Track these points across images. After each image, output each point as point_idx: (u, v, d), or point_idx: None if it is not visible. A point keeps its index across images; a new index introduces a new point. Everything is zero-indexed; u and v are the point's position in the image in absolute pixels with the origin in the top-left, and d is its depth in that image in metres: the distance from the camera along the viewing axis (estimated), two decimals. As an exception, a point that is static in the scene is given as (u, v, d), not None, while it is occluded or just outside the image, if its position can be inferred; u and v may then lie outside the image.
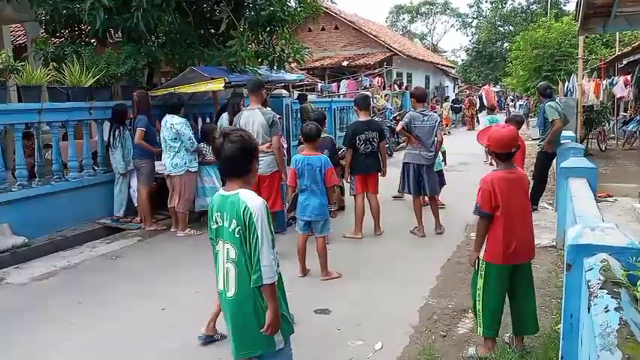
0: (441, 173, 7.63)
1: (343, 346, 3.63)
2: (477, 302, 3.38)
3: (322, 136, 5.67)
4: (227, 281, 2.41)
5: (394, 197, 7.96)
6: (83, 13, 7.05)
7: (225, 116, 6.95)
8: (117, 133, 6.69)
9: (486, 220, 3.29)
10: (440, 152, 7.37)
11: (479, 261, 3.36)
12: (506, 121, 7.40)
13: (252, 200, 2.35)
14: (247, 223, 2.32)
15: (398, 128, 6.51)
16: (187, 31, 8.35)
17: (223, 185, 2.59)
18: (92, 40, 8.23)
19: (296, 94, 14.23)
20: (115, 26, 7.65)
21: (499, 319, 3.34)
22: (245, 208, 2.32)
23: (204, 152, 6.69)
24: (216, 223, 2.45)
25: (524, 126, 10.07)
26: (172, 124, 6.29)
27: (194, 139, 6.44)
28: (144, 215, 6.77)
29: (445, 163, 8.08)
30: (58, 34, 8.35)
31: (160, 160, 6.60)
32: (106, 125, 7.09)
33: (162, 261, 5.61)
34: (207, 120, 8.78)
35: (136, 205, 6.94)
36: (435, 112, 10.17)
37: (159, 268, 5.39)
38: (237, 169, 2.42)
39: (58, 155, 6.66)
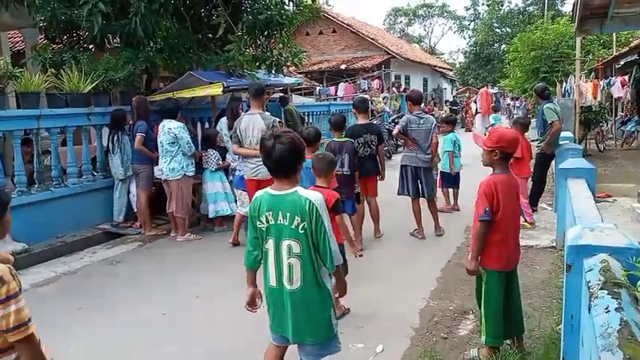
0: (458, 176, 7.74)
1: (345, 349, 3.58)
2: (483, 311, 3.31)
3: (342, 139, 5.68)
4: (291, 275, 2.54)
5: None
6: (81, 19, 7.07)
7: (224, 121, 6.96)
8: (116, 138, 6.70)
9: (487, 225, 3.17)
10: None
11: (481, 269, 3.28)
12: (514, 124, 7.43)
13: (313, 195, 2.55)
14: (314, 218, 2.49)
15: (395, 132, 6.55)
16: (185, 36, 8.36)
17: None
18: (90, 46, 8.24)
19: (300, 98, 14.31)
20: (112, 32, 7.67)
21: (503, 326, 3.28)
22: (310, 204, 2.49)
23: (213, 159, 6.73)
24: (267, 222, 2.55)
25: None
26: (170, 128, 6.29)
27: (192, 144, 6.45)
28: (143, 220, 6.76)
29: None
30: (56, 40, 8.36)
31: (158, 165, 6.60)
32: (105, 131, 7.09)
33: (163, 266, 5.61)
34: (207, 125, 8.79)
35: (135, 210, 6.94)
36: (433, 114, 10.23)
37: (159, 272, 5.39)
38: (288, 169, 2.56)
39: (57, 161, 6.66)
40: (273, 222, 2.54)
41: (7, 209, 2.09)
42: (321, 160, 4.06)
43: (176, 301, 4.60)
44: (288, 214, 2.51)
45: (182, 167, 6.39)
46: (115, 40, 8.34)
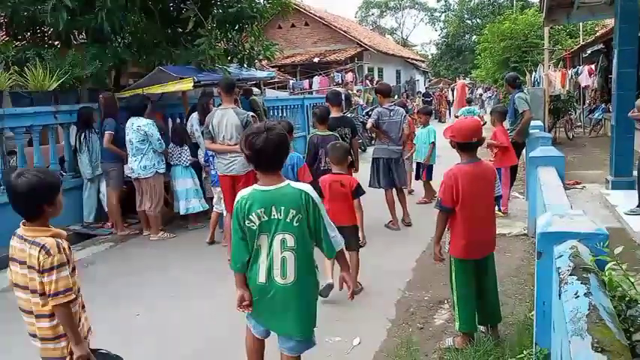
0: (431, 168, 7.84)
1: (322, 343, 3.59)
2: (453, 298, 3.40)
3: (326, 133, 5.61)
4: (284, 269, 2.50)
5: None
6: (45, 15, 6.86)
7: (195, 116, 6.86)
8: (83, 137, 6.54)
9: (445, 214, 3.30)
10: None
11: (449, 256, 3.38)
12: (491, 113, 7.55)
13: (304, 186, 2.57)
14: (311, 208, 2.50)
15: (368, 125, 6.62)
16: (154, 30, 8.19)
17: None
18: (55, 43, 8.02)
19: (274, 92, 14.20)
20: (78, 27, 7.48)
21: (473, 312, 3.35)
22: (305, 195, 2.50)
23: (185, 155, 6.63)
24: (259, 219, 2.48)
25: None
26: (139, 125, 6.16)
27: (162, 140, 6.33)
28: (115, 220, 6.63)
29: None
30: (18, 37, 8.10)
31: (128, 163, 6.47)
32: (73, 129, 6.92)
33: (136, 266, 5.51)
34: (178, 120, 8.65)
35: (106, 210, 6.80)
36: (407, 106, 10.30)
37: (132, 273, 5.29)
38: (280, 162, 2.53)
39: (24, 162, 6.46)
40: (266, 218, 2.48)
41: (60, 190, 2.41)
42: (338, 149, 4.39)
43: (150, 301, 4.52)
44: (282, 209, 2.47)
45: (154, 165, 6.28)
46: (81, 36, 8.13)
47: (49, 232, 2.33)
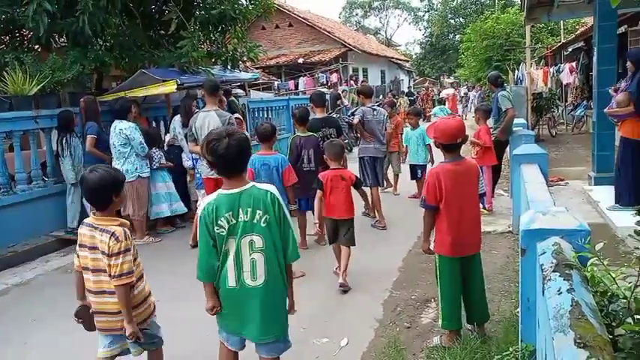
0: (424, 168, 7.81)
1: (309, 345, 3.61)
2: (438, 295, 3.43)
3: (307, 134, 5.64)
4: (254, 270, 2.50)
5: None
6: (24, 18, 6.75)
7: (177, 118, 6.81)
8: (65, 141, 6.45)
9: (431, 213, 3.33)
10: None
11: (434, 254, 3.41)
12: (475, 111, 7.60)
13: (268, 187, 2.59)
14: (277, 208, 2.52)
15: (355, 121, 6.65)
16: (136, 33, 8.13)
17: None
18: (35, 46, 7.91)
19: (258, 93, 14.07)
20: (59, 31, 7.37)
21: (458, 310, 3.37)
22: (271, 195, 2.52)
23: (156, 157, 6.56)
24: (227, 223, 2.47)
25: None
26: (121, 129, 6.10)
27: (145, 144, 6.26)
28: (99, 225, 6.55)
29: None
30: (-3, 41, 7.99)
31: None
32: (54, 134, 6.82)
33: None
34: (162, 123, 8.59)
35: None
36: (395, 105, 10.33)
37: (117, 278, 5.23)
38: (241, 166, 2.54)
39: (5, 168, 6.37)
40: (234, 221, 2.48)
41: (124, 185, 2.77)
42: (334, 146, 4.72)
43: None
44: (249, 210, 2.47)
45: (136, 169, 6.22)
46: (61, 40, 8.02)
47: (117, 222, 2.69)
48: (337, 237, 4.70)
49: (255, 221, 2.48)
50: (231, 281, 2.52)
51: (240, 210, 2.47)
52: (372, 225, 6.41)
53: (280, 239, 2.57)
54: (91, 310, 2.85)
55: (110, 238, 2.60)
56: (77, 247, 2.78)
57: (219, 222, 2.46)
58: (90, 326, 2.92)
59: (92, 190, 2.68)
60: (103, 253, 2.63)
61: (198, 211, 2.59)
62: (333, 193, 4.59)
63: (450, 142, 3.29)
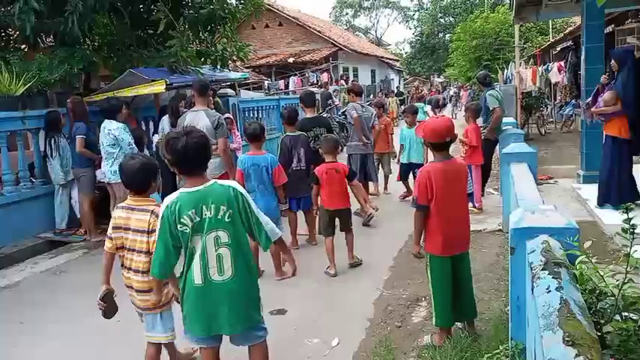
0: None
1: (301, 345, 3.61)
2: (431, 293, 3.43)
3: (296, 134, 5.64)
4: (221, 265, 2.54)
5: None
6: (10, 18, 6.68)
7: (165, 119, 6.76)
8: (53, 142, 6.39)
9: (422, 212, 3.32)
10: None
11: (425, 254, 3.41)
12: (465, 110, 7.61)
13: (231, 182, 2.66)
14: (241, 202, 2.57)
15: (355, 115, 6.77)
16: (124, 32, 8.07)
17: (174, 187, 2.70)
18: (22, 46, 7.82)
19: (249, 93, 13.98)
20: (46, 30, 7.29)
21: (450, 307, 3.38)
22: (234, 190, 2.57)
23: None
24: (191, 220, 2.50)
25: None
26: (110, 129, 6.04)
27: (134, 144, 6.18)
28: (88, 226, 6.50)
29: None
30: (-17, 41, 7.89)
31: (101, 167, 6.34)
32: (42, 135, 6.75)
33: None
34: (151, 123, 8.53)
35: (78, 216, 6.66)
36: (384, 106, 10.31)
37: (107, 280, 5.18)
38: (203, 163, 2.58)
39: (-8, 168, 6.30)
40: (197, 219, 2.50)
41: (159, 173, 3.04)
42: (329, 141, 5.04)
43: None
44: (212, 206, 2.51)
45: None
46: (49, 39, 7.95)
47: (154, 202, 2.99)
48: (333, 230, 4.96)
49: (219, 217, 2.52)
50: (198, 279, 2.55)
51: (204, 207, 2.50)
52: (355, 213, 6.36)
53: (247, 232, 2.64)
54: (115, 295, 3.08)
55: (150, 215, 2.88)
56: (110, 230, 2.99)
57: (182, 220, 2.49)
58: (110, 313, 3.13)
59: (134, 174, 2.95)
60: (140, 231, 2.89)
61: (160, 210, 2.62)
62: (328, 186, 4.87)
63: (439, 141, 3.31)
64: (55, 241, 6.49)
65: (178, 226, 2.49)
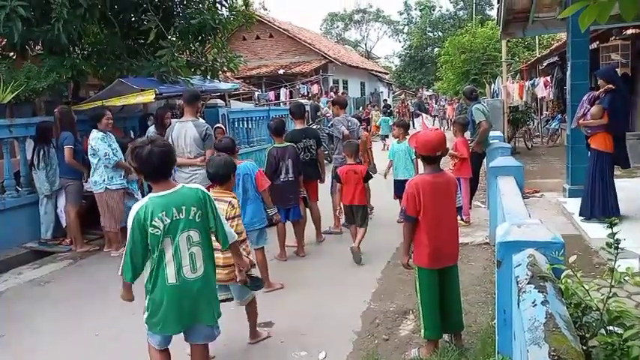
0: None
1: (287, 358, 3.58)
2: (419, 306, 3.42)
3: (284, 145, 5.66)
4: (194, 263, 2.72)
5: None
6: (-3, 25, 6.63)
7: (152, 129, 6.71)
8: (42, 153, 6.32)
9: (411, 224, 3.33)
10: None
11: (414, 265, 3.41)
12: (453, 124, 7.63)
13: (198, 185, 2.88)
14: (208, 204, 2.78)
15: (346, 132, 6.70)
16: (114, 41, 8.06)
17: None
18: (10, 54, 7.77)
19: (239, 104, 13.94)
20: (34, 38, 7.25)
21: (438, 320, 3.38)
22: (202, 193, 2.78)
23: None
24: (162, 222, 2.63)
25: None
26: (90, 139, 6.00)
27: (111, 155, 6.03)
28: (74, 236, 6.42)
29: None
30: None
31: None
32: (29, 143, 6.68)
33: (96, 284, 5.33)
34: (139, 133, 8.49)
35: (64, 225, 6.58)
36: (361, 119, 10.26)
37: (91, 291, 5.12)
38: (165, 171, 2.72)
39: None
40: (168, 221, 2.64)
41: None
42: (351, 146, 5.82)
43: (110, 320, 4.37)
44: (183, 208, 2.68)
45: (104, 180, 6.06)
46: (37, 47, 7.90)
47: (231, 194, 3.62)
48: (354, 219, 5.67)
49: (190, 217, 2.69)
50: (171, 278, 2.67)
51: (175, 209, 2.65)
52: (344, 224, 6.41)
53: (212, 231, 2.83)
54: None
55: (228, 205, 3.46)
56: None
57: (153, 223, 2.61)
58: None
59: (218, 168, 3.58)
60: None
61: (130, 215, 2.68)
62: (347, 184, 5.58)
63: (430, 154, 3.33)
64: (39, 251, 6.40)
65: (150, 229, 2.61)
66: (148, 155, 2.61)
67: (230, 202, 3.49)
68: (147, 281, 2.75)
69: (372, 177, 5.89)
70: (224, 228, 2.89)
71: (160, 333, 2.80)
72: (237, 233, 3.30)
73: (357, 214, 5.63)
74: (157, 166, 2.66)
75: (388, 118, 19.42)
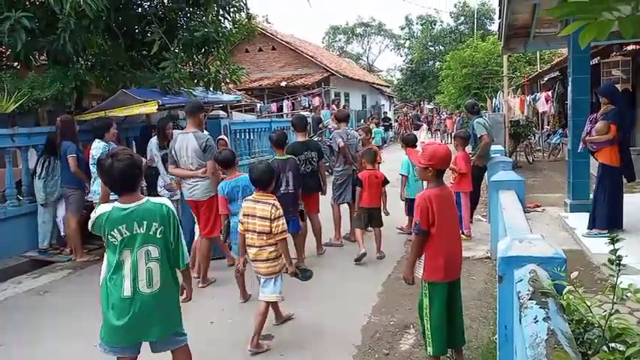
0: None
1: (287, 372, 3.55)
2: (426, 323, 3.33)
3: (285, 157, 5.67)
4: (150, 278, 2.70)
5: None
6: (2, 35, 6.68)
7: (154, 141, 6.68)
8: (48, 163, 6.33)
9: (423, 238, 3.28)
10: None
11: (422, 282, 3.34)
12: (454, 138, 7.62)
13: (164, 201, 2.84)
14: (171, 220, 2.75)
15: (341, 145, 6.70)
16: (118, 53, 8.12)
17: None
18: (15, 64, 7.82)
19: (241, 115, 13.98)
20: (38, 48, 7.30)
21: (446, 337, 3.33)
22: (167, 209, 2.75)
23: None
24: (121, 235, 2.65)
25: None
26: (92, 148, 6.03)
27: None
28: (74, 246, 6.41)
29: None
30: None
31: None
32: (32, 152, 6.71)
33: (95, 294, 5.26)
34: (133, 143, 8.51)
35: (63, 234, 6.56)
36: (370, 130, 10.33)
37: (90, 301, 5.03)
38: (133, 183, 2.74)
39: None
40: (128, 234, 2.66)
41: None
42: (370, 153, 6.34)
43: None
44: (145, 223, 2.68)
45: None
46: (42, 57, 7.96)
47: (273, 197, 3.94)
48: (364, 224, 6.10)
49: (151, 233, 2.69)
50: (127, 291, 2.67)
51: (136, 223, 2.67)
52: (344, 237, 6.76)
53: (173, 248, 2.79)
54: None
55: (272, 207, 3.79)
56: (241, 217, 3.91)
57: (112, 232, 2.65)
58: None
59: (261, 175, 3.91)
60: (265, 218, 3.77)
61: (92, 216, 2.72)
62: (368, 188, 6.03)
63: (445, 167, 3.41)
64: (39, 260, 6.39)
65: (108, 236, 2.66)
66: (109, 168, 2.65)
67: (274, 204, 3.80)
68: (102, 287, 2.75)
69: (389, 182, 6.33)
70: (183, 249, 2.85)
71: (107, 344, 2.77)
72: (284, 230, 3.76)
73: (374, 215, 6.09)
74: (117, 179, 2.68)
75: (381, 129, 19.65)
